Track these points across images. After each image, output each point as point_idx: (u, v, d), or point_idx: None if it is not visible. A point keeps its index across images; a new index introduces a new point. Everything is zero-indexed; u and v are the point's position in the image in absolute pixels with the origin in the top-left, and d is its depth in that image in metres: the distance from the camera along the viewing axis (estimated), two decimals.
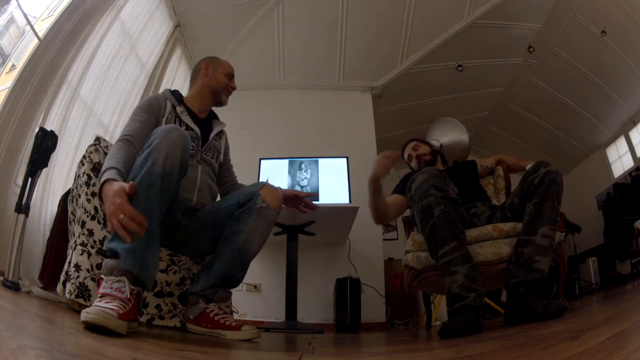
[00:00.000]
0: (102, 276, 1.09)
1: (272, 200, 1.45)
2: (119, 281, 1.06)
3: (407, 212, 2.15)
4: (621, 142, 4.82)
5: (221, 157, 1.77)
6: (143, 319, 1.47)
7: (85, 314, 0.92)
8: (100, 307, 0.96)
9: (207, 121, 1.72)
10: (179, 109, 1.61)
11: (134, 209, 1.03)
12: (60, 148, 2.13)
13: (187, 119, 1.61)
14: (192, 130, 1.59)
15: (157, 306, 1.52)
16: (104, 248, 1.43)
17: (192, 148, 1.55)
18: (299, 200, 1.76)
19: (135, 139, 1.36)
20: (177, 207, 1.50)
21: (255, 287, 3.28)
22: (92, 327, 0.90)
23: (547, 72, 4.39)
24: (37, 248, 1.94)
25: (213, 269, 1.41)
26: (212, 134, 1.68)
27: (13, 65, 2.10)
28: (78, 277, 1.37)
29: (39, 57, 2.08)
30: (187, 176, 1.45)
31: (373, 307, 3.26)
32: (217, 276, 1.40)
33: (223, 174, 1.80)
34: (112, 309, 0.96)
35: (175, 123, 1.57)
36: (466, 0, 3.60)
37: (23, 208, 1.71)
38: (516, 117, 5.15)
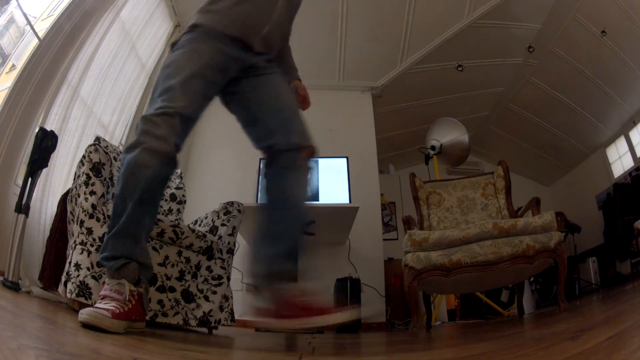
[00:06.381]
0: (105, 280, 1.11)
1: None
2: (118, 283, 1.07)
3: (407, 212, 2.15)
4: (621, 142, 4.82)
5: None
6: (146, 315, 1.46)
7: (80, 315, 0.95)
8: (95, 307, 0.99)
9: None
10: None
11: None
12: (60, 148, 2.12)
13: None
14: None
15: (160, 302, 1.52)
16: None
17: None
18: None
19: None
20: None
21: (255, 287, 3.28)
22: (89, 327, 0.93)
23: (547, 72, 4.39)
24: (37, 248, 1.94)
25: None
26: None
27: (13, 65, 2.10)
28: (78, 275, 1.37)
29: (39, 57, 2.08)
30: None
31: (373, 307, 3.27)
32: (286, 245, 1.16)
33: None
34: (107, 309, 0.98)
35: None
36: (466, 0, 3.60)
37: (23, 208, 1.71)
38: (516, 117, 5.15)
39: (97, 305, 1.01)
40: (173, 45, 1.28)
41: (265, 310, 1.06)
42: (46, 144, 1.78)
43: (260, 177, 1.28)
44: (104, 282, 1.11)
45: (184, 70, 1.18)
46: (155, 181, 1.11)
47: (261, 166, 1.25)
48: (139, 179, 1.08)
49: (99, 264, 1.35)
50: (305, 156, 1.23)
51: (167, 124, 1.11)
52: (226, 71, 1.25)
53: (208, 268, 1.79)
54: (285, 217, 1.18)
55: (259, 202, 1.25)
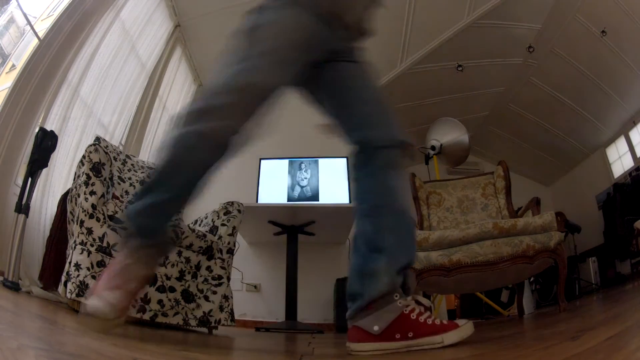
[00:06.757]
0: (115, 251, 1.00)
1: None
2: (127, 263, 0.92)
3: None
4: (621, 142, 4.82)
5: None
6: (146, 315, 1.47)
7: (83, 307, 0.87)
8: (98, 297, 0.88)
9: None
10: None
11: None
12: (60, 148, 2.12)
13: None
14: None
15: (160, 302, 1.52)
16: (104, 245, 1.43)
17: None
18: None
19: None
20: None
21: (255, 287, 3.28)
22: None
23: (547, 72, 4.39)
24: (37, 248, 1.94)
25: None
26: None
27: (13, 65, 2.10)
28: (78, 275, 1.37)
29: (39, 57, 2.08)
30: None
31: None
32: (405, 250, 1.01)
33: None
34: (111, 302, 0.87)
35: None
36: (466, 0, 3.60)
37: (23, 208, 1.71)
38: (516, 117, 5.15)
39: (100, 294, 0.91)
40: (257, 9, 1.12)
41: (374, 333, 0.90)
42: (46, 144, 1.78)
43: (350, 175, 1.10)
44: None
45: (270, 42, 1.03)
46: (199, 166, 0.97)
47: (351, 163, 1.03)
48: (181, 161, 0.96)
49: (118, 220, 1.23)
50: (405, 154, 1.07)
51: (230, 105, 0.96)
52: (313, 50, 1.08)
53: (208, 268, 1.79)
54: (396, 223, 1.01)
55: (353, 203, 1.11)
